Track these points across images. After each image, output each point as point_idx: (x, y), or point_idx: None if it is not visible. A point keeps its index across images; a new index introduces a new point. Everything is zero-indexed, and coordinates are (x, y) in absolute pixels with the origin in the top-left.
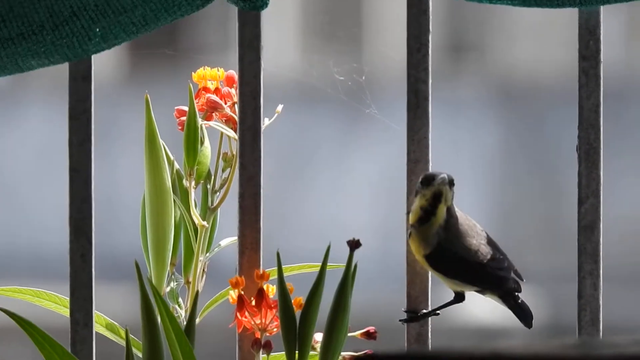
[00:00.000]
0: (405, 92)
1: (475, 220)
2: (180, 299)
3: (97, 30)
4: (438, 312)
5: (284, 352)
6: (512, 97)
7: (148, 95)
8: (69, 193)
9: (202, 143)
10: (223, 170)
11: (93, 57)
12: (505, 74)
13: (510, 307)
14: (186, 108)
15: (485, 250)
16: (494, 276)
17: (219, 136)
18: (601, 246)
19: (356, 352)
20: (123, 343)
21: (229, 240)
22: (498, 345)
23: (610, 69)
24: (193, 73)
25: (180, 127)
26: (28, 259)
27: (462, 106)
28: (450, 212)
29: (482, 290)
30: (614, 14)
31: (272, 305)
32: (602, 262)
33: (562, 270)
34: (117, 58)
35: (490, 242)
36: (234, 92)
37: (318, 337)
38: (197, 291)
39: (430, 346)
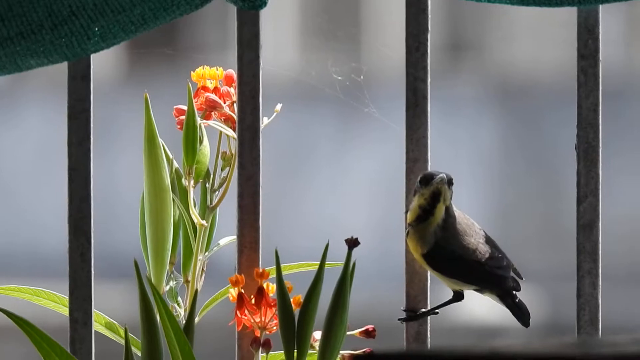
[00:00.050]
0: (404, 90)
1: (473, 219)
2: (179, 298)
3: (96, 29)
4: (437, 311)
5: (283, 351)
6: (510, 96)
7: (147, 95)
8: (68, 192)
9: (201, 142)
10: (222, 169)
11: (92, 56)
12: (504, 73)
13: (507, 306)
14: (185, 107)
15: (484, 249)
16: (492, 275)
17: (217, 135)
18: (600, 245)
19: (355, 350)
20: (122, 342)
21: (228, 239)
22: (497, 344)
23: (609, 68)
24: (192, 72)
25: (179, 126)
26: (27, 258)
27: (460, 105)
28: (448, 211)
29: (480, 289)
30: (612, 13)
31: (272, 304)
32: (601, 261)
33: (561, 269)
34: (116, 57)
35: (488, 241)
36: (233, 91)
37: (317, 335)
38: (196, 290)
39: (429, 345)
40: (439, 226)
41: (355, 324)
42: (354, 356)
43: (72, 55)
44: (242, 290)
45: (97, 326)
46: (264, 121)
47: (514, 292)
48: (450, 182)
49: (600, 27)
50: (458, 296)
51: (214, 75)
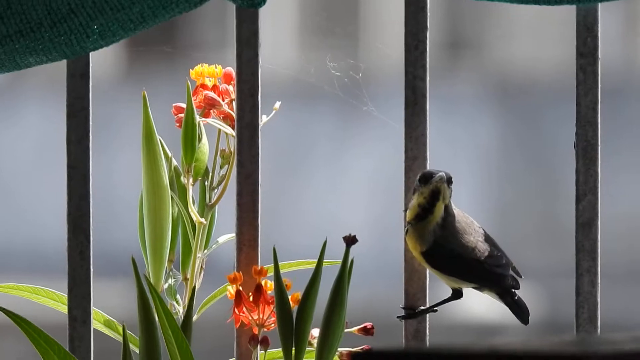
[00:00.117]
0: (402, 89)
1: (472, 217)
2: (178, 296)
3: (95, 27)
4: (436, 308)
5: (281, 349)
6: (509, 94)
7: (145, 92)
8: (67, 190)
9: (199, 140)
10: (221, 167)
11: (91, 54)
12: (503, 71)
13: (506, 304)
14: (184, 105)
15: (483, 248)
16: (491, 273)
17: (216, 133)
18: (599, 243)
19: (353, 348)
20: (121, 339)
21: (226, 237)
22: (496, 342)
23: (608, 66)
24: (191, 70)
25: (178, 124)
26: (26, 256)
27: (459, 103)
28: (447, 209)
29: (479, 287)
30: (611, 11)
31: (270, 301)
32: (600, 259)
33: (560, 267)
34: (114, 55)
35: (487, 239)
36: (231, 89)
37: (315, 332)
38: (194, 287)
39: (428, 343)
40: (438, 224)
41: (354, 322)
42: (352, 354)
43: (71, 53)
44: (240, 288)
45: (96, 324)
46: (263, 119)
47: (513, 290)
48: (449, 181)
49: (599, 25)
50: (457, 294)
51: (213, 73)
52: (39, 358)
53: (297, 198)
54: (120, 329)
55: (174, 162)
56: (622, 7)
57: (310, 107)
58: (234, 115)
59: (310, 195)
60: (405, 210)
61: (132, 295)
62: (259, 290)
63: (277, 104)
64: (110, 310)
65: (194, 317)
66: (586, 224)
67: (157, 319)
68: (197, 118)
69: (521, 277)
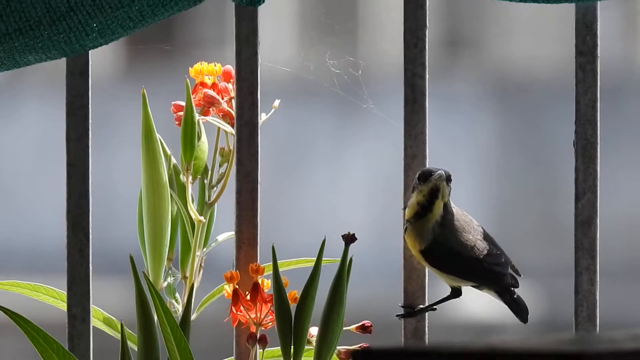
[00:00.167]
0: (401, 86)
1: (471, 215)
2: (177, 294)
3: (94, 25)
4: (435, 307)
5: (279, 347)
6: (508, 93)
7: (144, 91)
8: (66, 188)
9: (199, 138)
10: (220, 166)
11: (90, 52)
12: (502, 69)
13: (505, 302)
14: (183, 103)
15: (482, 246)
16: (490, 272)
17: (216, 131)
18: (598, 241)
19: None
20: (119, 338)
21: (226, 235)
22: (495, 340)
23: (607, 64)
24: (190, 68)
25: (177, 122)
26: (26, 254)
27: (458, 101)
28: (446, 207)
29: (478, 286)
30: (610, 9)
31: (267, 300)
32: (599, 257)
33: (559, 265)
34: (114, 53)
35: (486, 237)
36: (231, 87)
37: (313, 331)
38: (192, 285)
39: (427, 341)
40: (437, 223)
41: (353, 320)
42: (351, 352)
43: (70, 51)
44: (237, 286)
45: (95, 322)
46: (262, 117)
47: (512, 288)
48: (448, 179)
49: (599, 23)
50: (456, 292)
51: (212, 71)
52: (38, 356)
53: (296, 196)
54: (119, 326)
55: (173, 160)
56: (621, 5)
57: (309, 105)
58: (233, 113)
59: (309, 194)
60: (405, 209)
61: (131, 294)
62: (256, 288)
63: (277, 102)
64: (110, 309)
65: (193, 316)
66: (585, 222)
67: (155, 317)
68: (197, 116)
69: (520, 276)
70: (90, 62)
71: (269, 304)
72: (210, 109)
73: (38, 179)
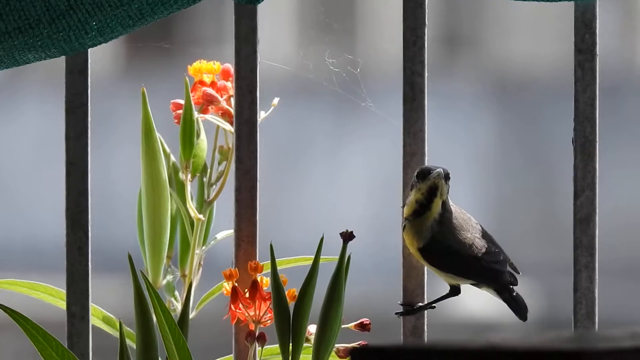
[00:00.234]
0: (400, 84)
1: (470, 213)
2: (176, 292)
3: (94, 24)
4: (434, 305)
5: (278, 345)
6: (507, 91)
7: (144, 89)
8: (65, 186)
9: (198, 136)
10: (219, 164)
11: (89, 50)
12: (501, 67)
13: (505, 300)
14: (182, 101)
15: (480, 244)
16: (488, 270)
17: (215, 129)
18: (597, 239)
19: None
20: (118, 335)
21: (225, 234)
22: (493, 338)
23: (606, 62)
24: (189, 66)
25: (176, 120)
26: (24, 252)
27: (457, 99)
28: (445, 206)
29: (477, 284)
30: (609, 8)
31: (266, 297)
32: (598, 255)
33: (557, 263)
34: (113, 51)
35: (485, 235)
36: (230, 85)
37: (312, 329)
38: (191, 283)
39: (426, 339)
40: (436, 221)
41: (352, 318)
42: (350, 349)
43: (69, 49)
44: (237, 284)
45: (94, 320)
46: (261, 115)
47: (511, 286)
48: (447, 177)
49: (598, 21)
50: (455, 290)
51: (211, 69)
52: (38, 355)
53: (295, 194)
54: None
55: (173, 159)
56: (620, 3)
57: (308, 103)
58: (233, 111)
59: (308, 191)
60: (403, 206)
61: (130, 292)
62: (254, 286)
63: (276, 100)
64: (109, 307)
65: (192, 314)
66: (584, 219)
67: (154, 315)
68: (196, 114)
69: (519, 274)
70: (89, 61)
71: (268, 302)
72: (210, 107)
73: (37, 177)
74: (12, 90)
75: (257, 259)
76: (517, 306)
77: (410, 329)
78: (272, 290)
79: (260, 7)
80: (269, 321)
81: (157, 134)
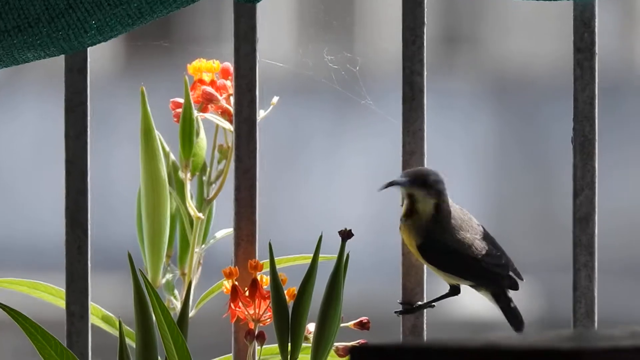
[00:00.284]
0: (399, 83)
1: (468, 212)
2: (176, 291)
3: (93, 23)
4: (433, 304)
5: (277, 344)
6: (506, 90)
7: (143, 88)
8: (65, 185)
9: (197, 135)
10: (219, 162)
11: (89, 49)
12: (500, 67)
13: (502, 309)
14: (182, 100)
15: (481, 246)
16: (488, 271)
17: (214, 128)
18: (596, 238)
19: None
20: (118, 334)
21: (224, 232)
22: (493, 337)
23: (605, 61)
24: (189, 65)
25: (175, 119)
26: (24, 251)
27: (456, 98)
28: (439, 207)
29: (475, 286)
30: (608, 7)
31: (266, 296)
32: (597, 254)
33: (556, 261)
34: (112, 50)
35: (486, 237)
36: (229, 84)
37: (311, 327)
38: (190, 282)
39: (425, 338)
40: (430, 221)
41: (351, 317)
42: (349, 348)
43: (69, 48)
44: (236, 283)
45: (93, 319)
46: (261, 114)
47: (512, 291)
48: (420, 183)
49: (597, 20)
50: (454, 290)
51: (211, 68)
52: (37, 354)
53: (294, 193)
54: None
55: (172, 157)
56: (619, 3)
57: (307, 102)
58: (232, 110)
59: (307, 190)
60: (402, 205)
61: (130, 291)
62: (254, 285)
63: (275, 99)
64: (109, 306)
65: (192, 312)
66: (583, 218)
67: (153, 314)
68: (195, 113)
69: (522, 280)
70: (88, 59)
71: (268, 301)
72: (209, 106)
73: (36, 176)
74: (11, 89)
75: (257, 258)
76: (513, 317)
77: (410, 328)
78: (271, 288)
79: (260, 6)
80: (268, 320)
81: (157, 133)
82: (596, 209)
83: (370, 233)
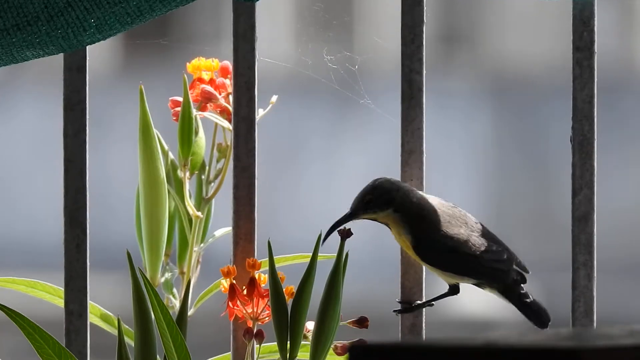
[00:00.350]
0: (398, 82)
1: (466, 210)
2: (175, 290)
3: (92, 21)
4: (432, 303)
5: (276, 343)
6: (504, 88)
7: (142, 86)
8: (63, 183)
9: (196, 134)
10: (217, 161)
11: (87, 47)
12: (499, 65)
13: (515, 306)
14: (180, 99)
15: (479, 242)
16: (489, 268)
17: (213, 127)
18: (595, 237)
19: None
20: (116, 333)
21: (223, 231)
22: (492, 336)
23: (604, 60)
24: (187, 64)
25: (174, 118)
26: (22, 250)
27: (454, 97)
28: (403, 209)
29: (478, 283)
30: (607, 6)
31: (264, 294)
32: (596, 253)
33: (555, 261)
34: (111, 49)
35: (486, 234)
36: (228, 82)
37: (310, 326)
38: (189, 281)
39: (424, 337)
40: (407, 223)
41: (349, 316)
42: (348, 346)
43: (68, 46)
44: (234, 281)
45: (92, 318)
46: (260, 113)
47: (521, 286)
48: (359, 209)
49: (596, 19)
50: (454, 290)
51: (210, 66)
52: (35, 353)
53: (293, 191)
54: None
55: (171, 156)
56: (618, 2)
57: (306, 101)
58: (231, 109)
59: (306, 189)
60: None
61: (129, 289)
62: (252, 283)
63: (274, 98)
64: (107, 305)
65: (191, 311)
66: (582, 217)
67: (152, 312)
68: (194, 112)
69: (528, 273)
70: (87, 58)
71: (266, 299)
72: (208, 105)
73: (35, 175)
74: (10, 87)
75: (255, 256)
76: (532, 313)
77: (409, 327)
78: (270, 287)
79: (259, 5)
80: (267, 318)
81: (155, 132)
82: (595, 208)
83: (369, 231)
